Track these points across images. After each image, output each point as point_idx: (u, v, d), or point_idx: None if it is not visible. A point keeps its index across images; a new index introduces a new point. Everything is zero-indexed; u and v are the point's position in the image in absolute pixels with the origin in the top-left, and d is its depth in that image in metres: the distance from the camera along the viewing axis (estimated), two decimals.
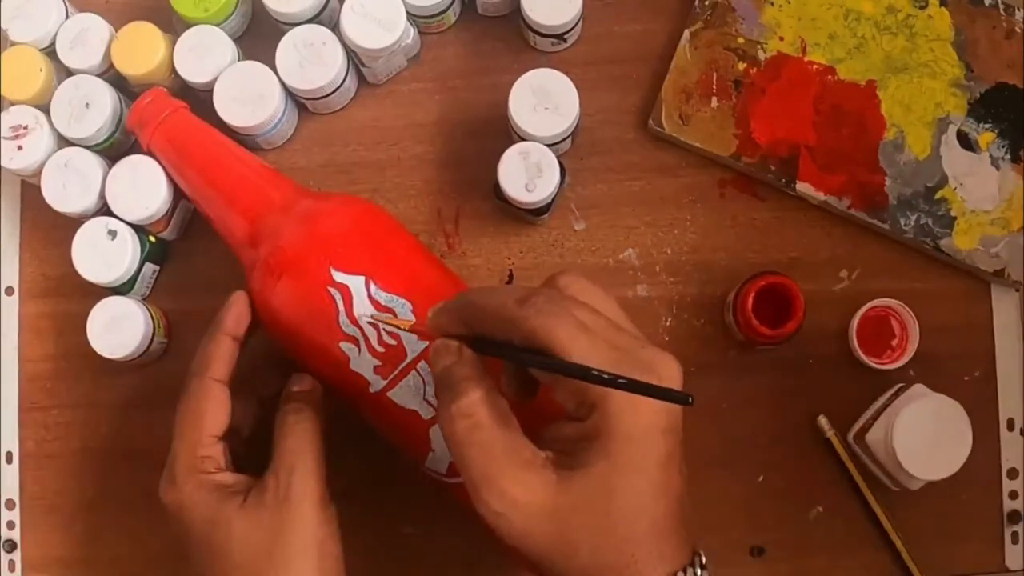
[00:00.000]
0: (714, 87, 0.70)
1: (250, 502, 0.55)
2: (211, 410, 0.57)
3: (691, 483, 0.68)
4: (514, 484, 0.47)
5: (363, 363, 0.59)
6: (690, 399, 0.44)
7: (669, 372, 0.48)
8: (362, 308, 0.59)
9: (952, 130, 0.70)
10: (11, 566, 0.70)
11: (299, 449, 0.56)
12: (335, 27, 0.67)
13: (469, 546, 0.67)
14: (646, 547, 0.47)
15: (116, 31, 0.67)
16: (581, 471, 0.46)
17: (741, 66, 0.70)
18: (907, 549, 0.68)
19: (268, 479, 0.55)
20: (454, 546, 0.68)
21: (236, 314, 0.60)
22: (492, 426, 0.48)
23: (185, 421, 0.58)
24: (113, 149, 0.68)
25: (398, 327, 0.57)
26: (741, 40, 0.71)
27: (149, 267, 0.69)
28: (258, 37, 0.71)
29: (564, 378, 0.47)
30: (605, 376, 0.44)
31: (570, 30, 0.69)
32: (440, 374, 0.50)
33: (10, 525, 0.70)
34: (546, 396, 0.50)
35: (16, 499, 0.71)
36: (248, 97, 0.66)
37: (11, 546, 0.70)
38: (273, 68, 0.67)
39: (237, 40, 0.70)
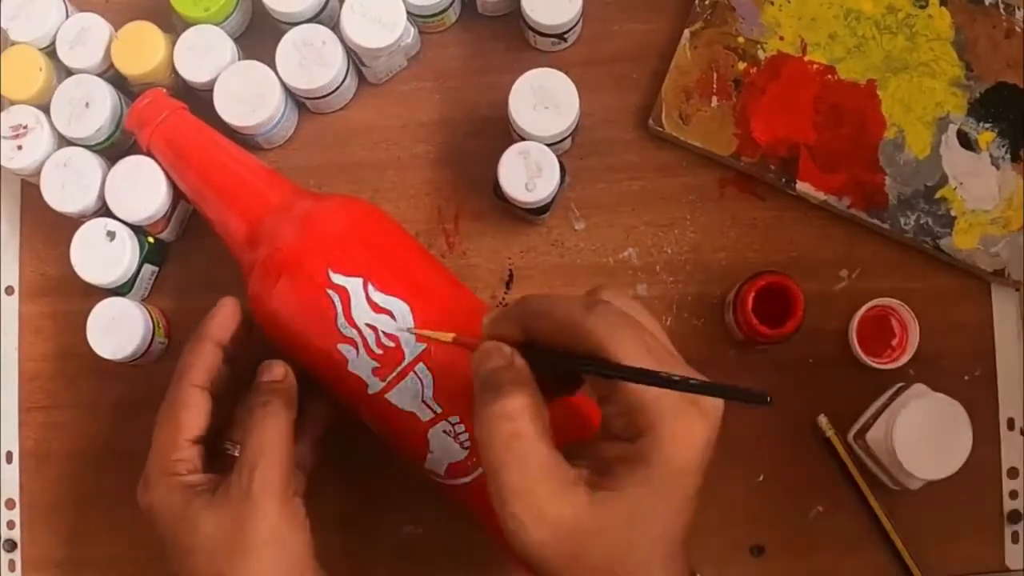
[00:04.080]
0: (714, 86, 0.70)
1: (214, 499, 0.55)
2: (186, 416, 0.58)
3: None
4: (546, 499, 0.46)
5: (361, 365, 0.59)
6: (768, 398, 0.42)
7: (714, 404, 0.47)
8: (360, 311, 0.59)
9: (952, 129, 0.70)
10: (11, 565, 0.70)
11: (262, 445, 0.56)
12: (335, 26, 0.67)
13: (469, 546, 0.67)
14: (656, 572, 0.46)
15: (116, 30, 0.67)
16: (615, 493, 0.45)
17: (741, 65, 0.70)
18: (907, 548, 0.68)
19: (232, 476, 0.56)
20: (454, 546, 0.68)
21: (219, 320, 0.60)
22: (532, 436, 0.46)
23: (161, 425, 0.58)
24: (113, 149, 0.68)
25: (440, 340, 0.54)
26: (741, 39, 0.71)
27: (148, 268, 0.69)
28: (258, 36, 0.71)
29: (619, 396, 0.46)
30: (675, 378, 0.43)
31: (570, 30, 0.69)
32: (487, 375, 0.48)
33: (10, 524, 0.70)
34: (562, 415, 0.50)
35: (16, 499, 0.71)
36: (248, 97, 0.66)
37: (11, 545, 0.70)
38: (273, 67, 0.67)
39: (237, 39, 0.70)
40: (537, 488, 0.46)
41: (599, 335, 0.46)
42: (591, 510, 0.46)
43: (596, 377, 0.48)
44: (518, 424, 0.47)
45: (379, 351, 0.59)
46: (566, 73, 0.66)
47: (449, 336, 0.54)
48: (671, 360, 0.47)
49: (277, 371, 0.60)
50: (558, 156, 0.67)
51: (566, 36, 0.70)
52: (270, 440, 0.56)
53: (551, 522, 0.46)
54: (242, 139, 0.68)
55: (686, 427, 0.45)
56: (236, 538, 0.54)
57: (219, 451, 0.60)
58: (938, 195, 0.69)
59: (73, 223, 0.67)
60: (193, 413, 0.58)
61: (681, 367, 0.47)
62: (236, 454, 0.58)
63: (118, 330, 0.66)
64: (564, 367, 0.48)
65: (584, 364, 0.47)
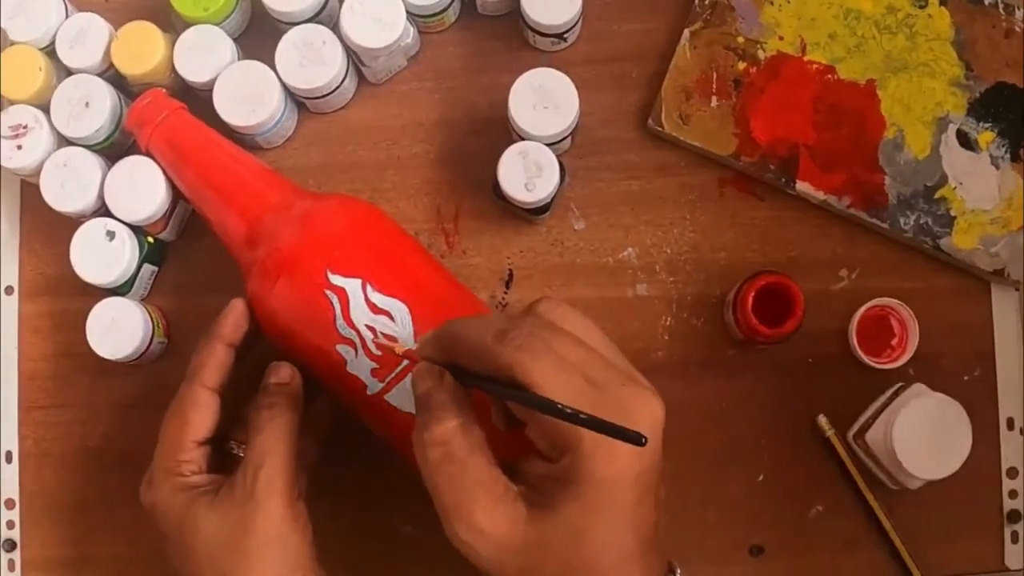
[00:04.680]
0: (714, 86, 0.70)
1: (218, 500, 0.56)
2: (195, 417, 0.58)
3: (691, 483, 0.68)
4: (483, 516, 0.47)
5: (360, 366, 0.59)
6: (643, 440, 0.43)
7: (647, 412, 0.47)
8: (359, 311, 0.59)
9: (952, 129, 0.69)
10: (11, 565, 0.70)
11: (267, 447, 0.56)
12: (335, 26, 0.67)
13: None
14: None
15: (116, 30, 0.67)
16: (551, 511, 0.46)
17: (741, 65, 0.70)
18: (906, 548, 0.68)
19: (237, 476, 0.56)
20: (452, 547, 0.68)
21: (232, 321, 0.60)
22: (465, 456, 0.48)
23: (170, 426, 0.58)
24: (112, 149, 0.68)
25: (394, 351, 0.57)
26: (741, 39, 0.71)
27: (147, 268, 0.69)
28: (258, 36, 0.71)
29: (538, 418, 0.47)
30: (567, 411, 0.44)
31: (570, 29, 0.69)
32: (419, 397, 0.50)
33: (10, 524, 0.70)
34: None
35: (16, 498, 0.71)
36: (248, 96, 0.66)
37: (11, 545, 0.70)
38: (273, 67, 0.67)
39: (237, 39, 0.70)
40: (473, 504, 0.47)
41: (506, 361, 0.47)
42: (531, 526, 0.47)
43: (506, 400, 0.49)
44: (449, 447, 0.48)
45: (378, 352, 0.59)
46: (566, 73, 0.66)
47: (401, 349, 0.56)
48: (597, 372, 0.47)
49: (284, 373, 0.60)
50: (558, 156, 0.67)
51: (566, 36, 0.70)
52: (275, 441, 0.56)
53: (491, 536, 0.47)
54: (241, 139, 0.68)
55: (605, 443, 0.45)
56: (239, 538, 0.54)
57: (224, 451, 0.60)
58: (938, 195, 0.69)
59: (72, 223, 0.67)
60: (202, 414, 0.58)
61: (613, 373, 0.48)
62: (241, 454, 0.58)
63: (118, 330, 0.66)
64: (481, 388, 0.49)
65: (491, 388, 0.48)
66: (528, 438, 0.49)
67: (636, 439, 0.43)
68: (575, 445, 0.46)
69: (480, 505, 0.47)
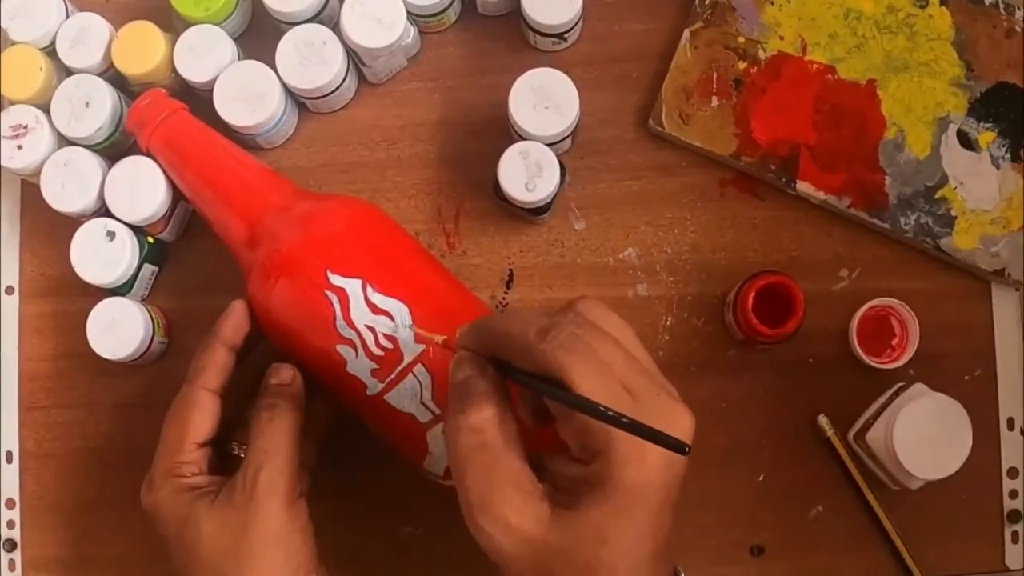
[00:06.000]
0: (714, 86, 0.70)
1: (218, 501, 0.56)
2: (196, 419, 0.58)
3: (691, 483, 0.68)
4: (510, 510, 0.47)
5: (360, 366, 0.59)
6: (687, 448, 0.43)
7: (680, 425, 0.47)
8: (359, 312, 0.59)
9: (952, 129, 0.69)
10: (11, 565, 0.70)
11: (268, 448, 0.56)
12: (335, 26, 0.67)
13: (469, 547, 0.67)
14: None
15: (116, 30, 0.67)
16: (575, 513, 0.46)
17: (741, 65, 0.70)
18: (907, 548, 0.68)
19: (237, 478, 0.56)
20: (454, 546, 0.68)
21: (233, 323, 0.60)
22: (498, 447, 0.48)
23: (170, 427, 0.59)
24: (113, 149, 0.68)
25: (433, 340, 0.56)
26: (741, 39, 0.71)
27: (148, 268, 0.69)
28: (258, 36, 0.71)
29: (572, 418, 0.47)
30: (610, 413, 0.44)
31: (570, 29, 0.69)
32: (458, 384, 0.50)
33: (10, 524, 0.70)
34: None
35: (16, 498, 0.71)
36: (248, 96, 0.66)
37: (11, 545, 0.70)
38: (273, 67, 0.67)
39: (237, 39, 0.70)
40: (502, 498, 0.47)
41: (547, 359, 0.46)
42: (554, 525, 0.47)
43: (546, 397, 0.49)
44: (484, 436, 0.48)
45: (378, 352, 0.59)
46: (566, 73, 0.66)
47: (440, 338, 0.55)
48: (634, 380, 0.47)
49: (285, 374, 0.60)
50: (558, 156, 0.67)
51: (566, 36, 0.70)
52: (276, 442, 0.57)
53: (515, 533, 0.47)
54: (242, 139, 0.68)
55: (638, 450, 0.45)
56: (240, 540, 0.55)
57: (224, 452, 0.60)
58: (938, 195, 0.69)
59: (73, 223, 0.67)
60: (203, 416, 0.58)
61: (647, 380, 0.48)
62: (242, 455, 0.58)
63: (118, 330, 0.66)
64: (520, 383, 0.49)
65: (532, 383, 0.48)
66: (554, 436, 0.49)
67: (679, 447, 0.43)
68: (607, 450, 0.46)
69: (508, 499, 0.47)
